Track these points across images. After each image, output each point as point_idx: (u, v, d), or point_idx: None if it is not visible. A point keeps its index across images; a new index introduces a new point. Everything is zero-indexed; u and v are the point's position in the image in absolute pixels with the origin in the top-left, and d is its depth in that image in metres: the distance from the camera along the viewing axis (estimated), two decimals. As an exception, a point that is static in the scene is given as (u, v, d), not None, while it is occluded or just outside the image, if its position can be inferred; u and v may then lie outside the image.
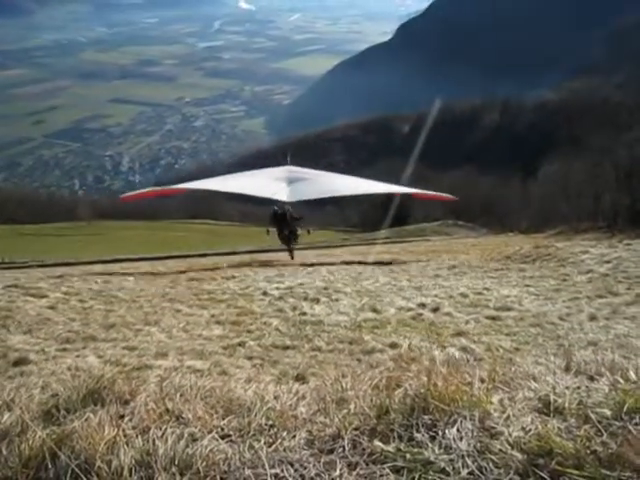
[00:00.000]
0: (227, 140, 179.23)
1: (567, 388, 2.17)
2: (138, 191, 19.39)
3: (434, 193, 19.77)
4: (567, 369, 2.59)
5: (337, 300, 10.55)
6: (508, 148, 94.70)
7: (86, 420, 2.08)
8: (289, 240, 13.66)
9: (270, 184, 12.55)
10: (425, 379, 2.18)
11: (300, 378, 5.49)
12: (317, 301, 10.41)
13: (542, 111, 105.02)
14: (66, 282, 12.45)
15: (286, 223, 12.14)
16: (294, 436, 1.93)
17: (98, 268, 18.23)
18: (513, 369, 2.62)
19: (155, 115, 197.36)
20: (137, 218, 63.04)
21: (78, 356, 6.78)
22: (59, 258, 27.46)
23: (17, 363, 6.53)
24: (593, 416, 1.91)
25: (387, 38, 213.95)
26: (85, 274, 14.43)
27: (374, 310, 9.49)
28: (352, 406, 2.09)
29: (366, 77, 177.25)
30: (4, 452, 1.94)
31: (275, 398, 2.24)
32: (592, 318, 8.59)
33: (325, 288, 11.48)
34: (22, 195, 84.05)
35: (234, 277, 13.34)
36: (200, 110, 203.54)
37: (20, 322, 8.97)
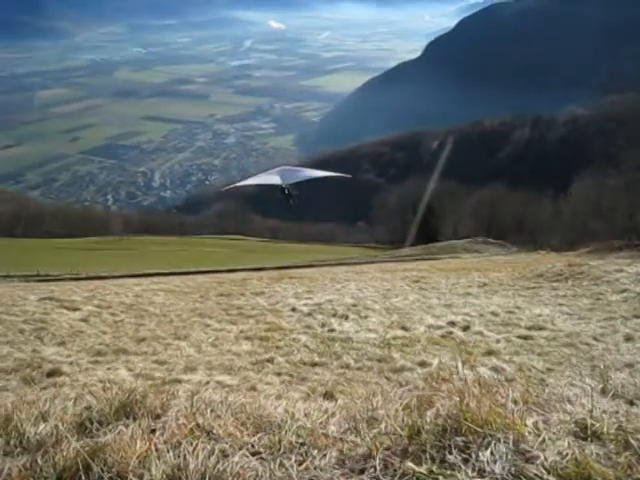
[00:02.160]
0: (257, 157, 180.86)
1: (604, 412, 2.11)
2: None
3: (332, 173, 22.36)
4: (603, 392, 2.52)
5: (366, 317, 10.50)
6: (539, 164, 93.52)
7: (118, 433, 2.09)
8: (289, 204, 15.86)
9: (271, 176, 14.78)
10: (457, 399, 2.14)
11: (329, 395, 5.44)
12: (346, 318, 10.37)
13: (574, 127, 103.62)
14: (98, 295, 12.64)
15: (289, 194, 13.81)
16: (325, 455, 1.91)
17: (130, 282, 18.47)
18: (547, 391, 2.57)
19: (186, 132, 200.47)
20: (168, 233, 63.83)
21: (109, 369, 6.86)
22: (92, 272, 27.89)
23: (51, 374, 6.64)
24: (634, 443, 1.84)
25: (416, 55, 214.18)
26: (117, 288, 14.63)
27: (403, 328, 9.41)
28: (383, 425, 2.06)
29: (395, 94, 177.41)
30: (40, 462, 1.96)
31: (305, 416, 2.23)
32: (628, 339, 8.36)
33: (354, 305, 11.43)
34: (58, 209, 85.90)
35: (263, 293, 13.39)
36: (231, 127, 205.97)
37: (54, 334, 9.13)
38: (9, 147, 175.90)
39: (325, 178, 16.59)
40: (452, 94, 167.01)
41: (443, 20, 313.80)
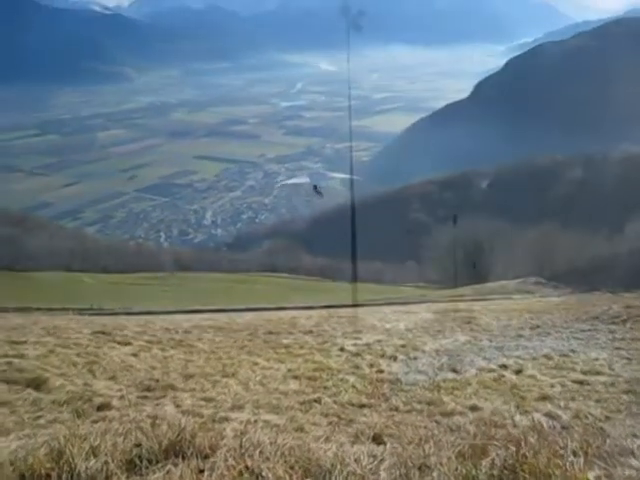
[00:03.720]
0: (307, 196, 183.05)
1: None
2: None
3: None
4: (670, 445, 2.38)
5: (415, 358, 10.34)
6: (593, 203, 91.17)
7: (167, 473, 2.09)
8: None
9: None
10: (513, 449, 2.06)
11: (377, 438, 5.33)
12: (395, 359, 10.24)
13: (629, 165, 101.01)
14: (149, 331, 12.85)
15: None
16: (375, 503, 1.86)
17: (180, 318, 18.73)
18: (608, 442, 2.43)
19: (238, 171, 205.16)
20: (217, 270, 64.77)
21: (157, 404, 6.91)
22: (144, 307, 28.45)
23: (101, 407, 6.73)
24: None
25: (464, 95, 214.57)
26: (167, 323, 14.85)
27: (453, 370, 9.20)
28: (436, 474, 1.99)
29: (444, 134, 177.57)
30: (89, 500, 1.97)
31: (355, 461, 2.18)
32: (693, 387, 7.92)
33: (403, 345, 11.26)
34: (113, 245, 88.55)
35: (311, 332, 13.35)
36: (281, 167, 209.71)
37: (105, 368, 9.30)
38: (69, 185, 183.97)
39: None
40: (501, 133, 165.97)
41: (492, 60, 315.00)
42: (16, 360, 9.15)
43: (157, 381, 7.64)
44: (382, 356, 10.26)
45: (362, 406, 6.86)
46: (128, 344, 11.02)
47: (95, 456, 2.41)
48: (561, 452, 2.10)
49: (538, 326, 14.32)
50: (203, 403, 7.01)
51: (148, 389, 7.54)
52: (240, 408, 6.75)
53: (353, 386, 7.90)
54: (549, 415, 6.31)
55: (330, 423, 6.07)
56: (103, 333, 11.76)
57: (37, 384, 8.01)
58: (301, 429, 5.69)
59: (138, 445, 2.53)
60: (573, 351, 10.77)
